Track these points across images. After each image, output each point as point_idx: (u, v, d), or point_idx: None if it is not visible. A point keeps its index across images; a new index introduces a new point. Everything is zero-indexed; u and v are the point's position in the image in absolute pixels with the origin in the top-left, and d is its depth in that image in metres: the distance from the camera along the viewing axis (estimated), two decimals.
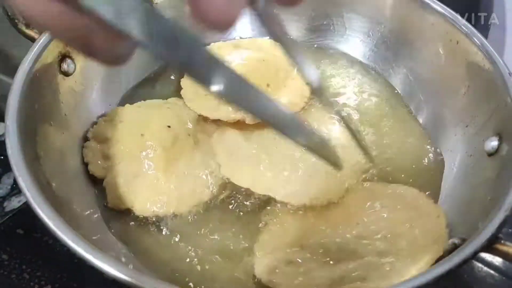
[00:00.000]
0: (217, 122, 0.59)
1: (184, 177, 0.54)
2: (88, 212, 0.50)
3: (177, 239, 0.50)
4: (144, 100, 0.62)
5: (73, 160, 0.53)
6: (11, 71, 0.49)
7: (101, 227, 0.50)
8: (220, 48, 0.67)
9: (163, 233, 0.51)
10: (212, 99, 0.55)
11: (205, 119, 0.59)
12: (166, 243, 0.50)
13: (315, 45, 0.72)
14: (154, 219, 0.52)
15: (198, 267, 0.48)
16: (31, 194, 0.40)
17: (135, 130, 0.56)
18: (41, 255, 0.55)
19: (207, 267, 0.48)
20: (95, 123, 0.58)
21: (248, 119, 0.57)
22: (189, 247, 0.50)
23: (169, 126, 0.57)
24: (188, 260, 0.49)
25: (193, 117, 0.60)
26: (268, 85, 0.62)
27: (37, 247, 0.56)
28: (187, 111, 0.60)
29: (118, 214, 0.52)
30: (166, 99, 0.63)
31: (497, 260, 0.57)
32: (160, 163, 0.54)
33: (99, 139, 0.56)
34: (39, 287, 0.53)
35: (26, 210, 0.58)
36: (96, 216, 0.51)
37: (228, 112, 0.58)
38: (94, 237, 0.46)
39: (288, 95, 0.62)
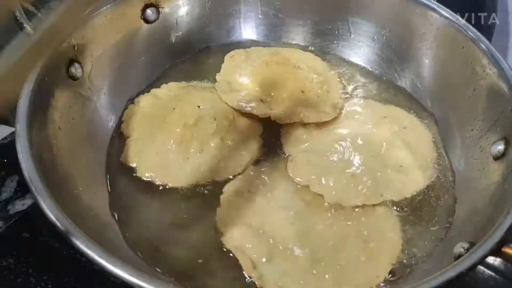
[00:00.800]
0: (248, 116, 0.62)
1: (192, 156, 0.57)
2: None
3: (159, 207, 0.54)
4: None
5: (82, 164, 0.53)
6: None
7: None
8: (259, 52, 0.70)
9: (153, 197, 0.54)
10: (244, 94, 0.61)
11: (238, 111, 0.62)
12: (150, 207, 0.54)
13: (320, 49, 0.72)
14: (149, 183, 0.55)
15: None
16: (42, 199, 0.40)
17: (171, 104, 0.61)
18: (47, 259, 0.55)
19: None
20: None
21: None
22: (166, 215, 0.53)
23: (199, 106, 0.60)
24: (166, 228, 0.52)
25: (228, 106, 0.62)
26: (302, 92, 0.64)
27: (43, 251, 0.56)
28: None
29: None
30: None
31: (498, 263, 0.57)
32: (176, 137, 0.58)
33: (140, 105, 0.62)
34: None
35: (32, 213, 0.59)
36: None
37: (260, 108, 0.61)
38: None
39: (322, 104, 0.64)
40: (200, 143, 0.58)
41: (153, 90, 0.64)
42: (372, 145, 0.58)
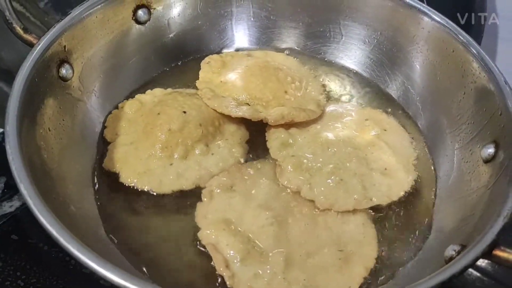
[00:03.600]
0: (234, 121, 0.62)
1: (177, 162, 0.56)
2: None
3: (143, 212, 0.54)
4: None
5: (71, 165, 0.53)
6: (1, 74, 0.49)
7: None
8: (233, 56, 0.70)
9: (136, 204, 0.54)
10: (230, 99, 0.61)
11: (226, 117, 0.61)
12: (135, 215, 0.54)
13: (312, 52, 0.72)
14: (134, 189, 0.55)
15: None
16: (32, 201, 0.40)
17: (156, 109, 0.60)
18: (36, 262, 0.55)
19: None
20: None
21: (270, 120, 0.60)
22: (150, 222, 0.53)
23: (184, 112, 0.59)
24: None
25: (214, 112, 0.61)
26: (286, 92, 0.65)
27: (32, 253, 0.55)
28: None
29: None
30: None
31: (486, 264, 0.57)
32: (160, 142, 0.57)
33: (124, 110, 0.61)
34: None
35: (20, 215, 0.58)
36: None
37: (251, 111, 0.60)
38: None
39: (306, 103, 0.64)
40: (185, 149, 0.57)
41: (138, 96, 0.63)
42: (357, 149, 0.59)
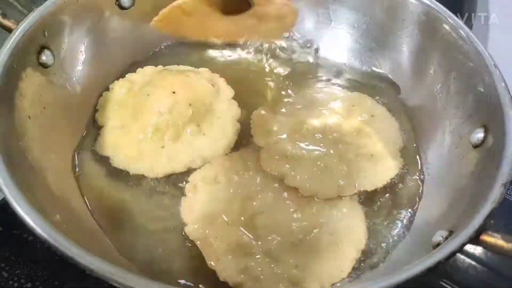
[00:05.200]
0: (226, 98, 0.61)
1: (168, 144, 0.56)
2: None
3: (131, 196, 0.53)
4: None
5: (53, 153, 0.51)
6: None
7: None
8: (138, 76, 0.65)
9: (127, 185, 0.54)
10: None
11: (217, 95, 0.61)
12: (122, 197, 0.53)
13: (300, 37, 0.71)
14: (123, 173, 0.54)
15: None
16: (9, 191, 0.39)
17: (145, 90, 0.59)
18: (21, 253, 0.54)
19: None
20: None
21: None
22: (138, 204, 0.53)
23: (173, 92, 0.58)
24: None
25: (205, 89, 0.60)
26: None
27: (16, 245, 0.55)
28: (203, 81, 0.61)
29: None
30: None
31: (479, 252, 0.57)
32: (151, 125, 0.56)
33: (114, 92, 0.60)
34: (18, 285, 0.52)
35: (5, 206, 0.57)
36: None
37: None
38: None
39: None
40: (175, 131, 0.56)
41: (128, 75, 0.63)
42: (343, 135, 0.58)
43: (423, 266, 0.37)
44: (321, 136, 0.57)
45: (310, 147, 0.56)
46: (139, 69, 0.63)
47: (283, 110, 0.62)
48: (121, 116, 0.58)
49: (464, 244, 0.39)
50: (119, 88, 0.61)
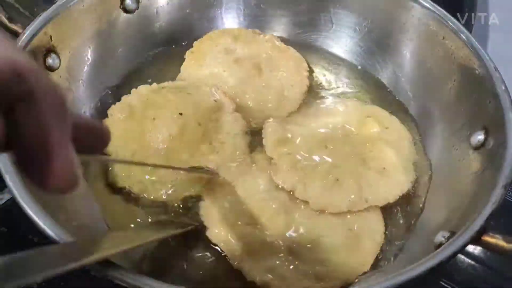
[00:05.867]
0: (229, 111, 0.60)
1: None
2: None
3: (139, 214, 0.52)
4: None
5: None
6: None
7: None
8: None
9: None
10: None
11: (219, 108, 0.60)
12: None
13: (302, 41, 0.72)
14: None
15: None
16: (19, 193, 0.39)
17: (149, 113, 0.57)
18: None
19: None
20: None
21: None
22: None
23: (180, 114, 0.56)
24: None
25: (209, 105, 0.59)
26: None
27: (21, 246, 0.54)
28: (205, 97, 0.60)
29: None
30: None
31: (479, 251, 0.58)
32: (163, 152, 0.55)
33: (114, 118, 0.57)
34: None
35: (10, 207, 0.57)
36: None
37: None
38: None
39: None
40: (189, 152, 0.55)
41: (124, 98, 0.59)
42: (355, 147, 0.57)
43: (425, 266, 0.38)
44: (332, 147, 0.56)
45: (322, 158, 0.55)
46: (133, 90, 0.60)
47: (294, 119, 0.61)
48: (128, 145, 0.56)
49: (465, 245, 0.40)
50: (119, 112, 0.58)
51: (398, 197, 0.54)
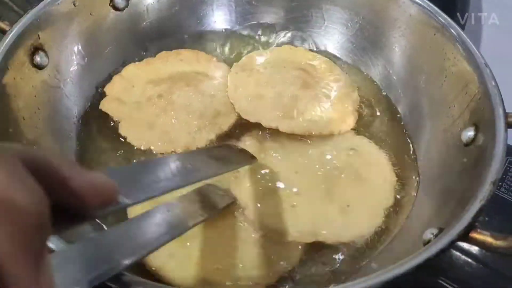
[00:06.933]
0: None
1: (178, 121, 0.58)
2: None
3: None
4: None
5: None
6: None
7: None
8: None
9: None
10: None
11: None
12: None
13: (294, 37, 0.72)
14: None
15: None
16: None
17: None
18: None
19: None
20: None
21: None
22: None
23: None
24: None
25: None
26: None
27: None
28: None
29: None
30: None
31: (474, 249, 0.57)
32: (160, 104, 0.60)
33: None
34: None
35: None
36: None
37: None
38: None
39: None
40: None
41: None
42: (327, 177, 0.54)
43: (412, 263, 0.37)
44: (304, 172, 0.55)
45: (288, 184, 0.54)
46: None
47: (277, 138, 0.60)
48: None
49: (453, 242, 0.39)
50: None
51: (353, 239, 0.51)
